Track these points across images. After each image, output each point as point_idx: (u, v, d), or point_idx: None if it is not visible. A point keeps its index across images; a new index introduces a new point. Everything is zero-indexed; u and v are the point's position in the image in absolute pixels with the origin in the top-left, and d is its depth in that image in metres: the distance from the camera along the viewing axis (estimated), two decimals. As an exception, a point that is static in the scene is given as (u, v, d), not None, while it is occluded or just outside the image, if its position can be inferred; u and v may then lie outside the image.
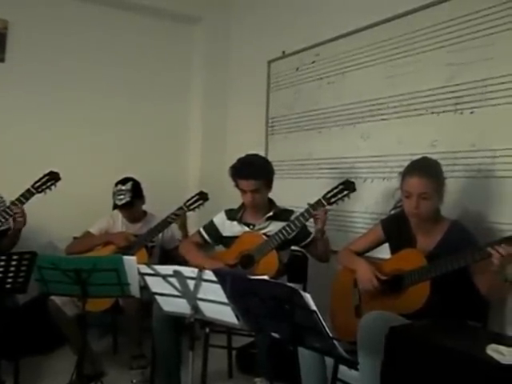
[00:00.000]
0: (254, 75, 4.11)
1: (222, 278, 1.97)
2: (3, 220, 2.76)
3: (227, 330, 2.94)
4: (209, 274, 1.97)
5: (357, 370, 2.07)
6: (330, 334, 1.68)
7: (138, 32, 4.28)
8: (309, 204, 2.57)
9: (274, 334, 1.90)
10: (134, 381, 2.99)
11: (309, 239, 2.78)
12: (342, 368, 2.47)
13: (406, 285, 2.18)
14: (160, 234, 3.21)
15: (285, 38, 3.79)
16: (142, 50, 4.32)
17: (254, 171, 2.74)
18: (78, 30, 4.07)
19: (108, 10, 4.15)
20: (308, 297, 1.66)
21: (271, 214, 2.81)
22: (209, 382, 2.73)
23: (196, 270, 2.01)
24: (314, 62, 3.52)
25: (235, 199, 2.94)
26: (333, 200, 2.55)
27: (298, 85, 3.65)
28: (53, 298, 2.95)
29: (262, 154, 3.55)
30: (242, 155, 2.90)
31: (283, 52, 3.80)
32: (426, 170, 2.19)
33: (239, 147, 4.05)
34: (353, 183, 2.56)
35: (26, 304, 3.28)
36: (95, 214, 3.41)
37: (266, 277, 1.84)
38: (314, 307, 1.66)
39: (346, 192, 2.55)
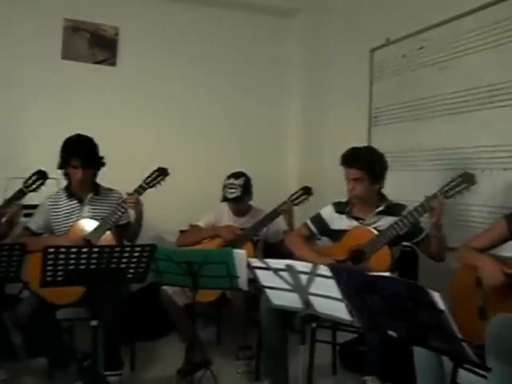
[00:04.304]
0: (355, 65, 3.99)
1: (337, 273, 1.93)
2: (120, 213, 2.88)
3: (332, 325, 2.90)
4: (323, 269, 1.95)
5: (483, 376, 1.95)
6: (460, 336, 1.59)
7: (237, 29, 4.40)
8: (426, 197, 2.45)
9: (390, 332, 1.82)
10: (240, 371, 3.04)
11: (422, 236, 2.65)
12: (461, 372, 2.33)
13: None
14: (264, 228, 3.22)
15: (389, 25, 3.63)
16: (241, 46, 4.42)
17: (357, 160, 2.68)
18: (181, 31, 4.26)
19: (206, 9, 4.30)
20: (436, 295, 1.57)
21: (382, 208, 2.71)
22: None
23: (310, 264, 1.99)
24: (421, 48, 3.34)
25: (335, 193, 2.88)
26: (450, 193, 2.41)
27: (405, 73, 3.48)
28: (164, 287, 3.06)
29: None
30: (342, 148, 2.82)
31: (387, 39, 3.65)
32: None
33: (339, 140, 3.99)
34: (473, 176, 2.39)
35: (138, 292, 3.45)
36: (199, 208, 3.50)
37: (387, 273, 1.77)
38: (442, 306, 1.57)
39: (465, 185, 2.38)
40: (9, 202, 2.87)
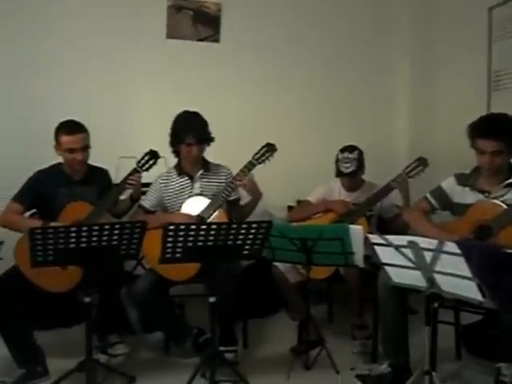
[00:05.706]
0: (470, 25, 3.67)
1: (467, 250, 1.79)
2: (230, 189, 2.88)
3: (455, 305, 2.73)
4: (450, 246, 1.82)
5: None
6: None
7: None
8: None
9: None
10: (355, 351, 2.95)
11: None
12: None
13: None
14: (378, 203, 3.09)
15: (511, -22, 3.30)
16: (346, 13, 4.32)
17: (495, 130, 2.42)
18: (283, 3, 4.17)
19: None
20: None
21: (511, 180, 2.47)
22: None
23: (434, 241, 1.86)
24: (551, 1, 3.00)
25: (450, 165, 2.70)
26: None
27: (531, 30, 3.16)
28: (276, 264, 3.04)
29: (483, 112, 3.16)
30: (458, 116, 2.60)
31: (509, -6, 3.32)
32: None
33: (455, 108, 3.72)
34: None
35: (248, 268, 3.40)
36: (307, 182, 3.45)
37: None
38: None
39: None
40: (125, 181, 2.96)
